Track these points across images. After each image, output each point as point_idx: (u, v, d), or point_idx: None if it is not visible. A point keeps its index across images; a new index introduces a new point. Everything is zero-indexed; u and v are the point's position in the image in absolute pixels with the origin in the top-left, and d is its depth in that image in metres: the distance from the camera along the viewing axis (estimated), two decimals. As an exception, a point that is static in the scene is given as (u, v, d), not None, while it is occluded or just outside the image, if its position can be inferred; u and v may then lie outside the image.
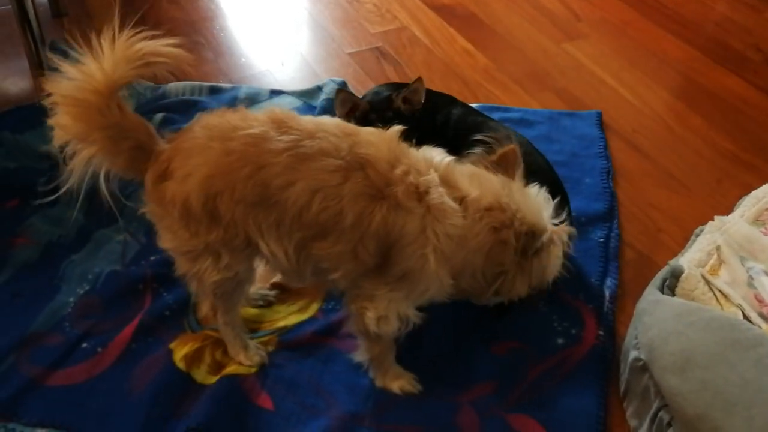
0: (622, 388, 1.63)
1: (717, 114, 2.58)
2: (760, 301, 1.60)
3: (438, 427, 1.57)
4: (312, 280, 1.52)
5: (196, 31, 2.99)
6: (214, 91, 2.58)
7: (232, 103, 2.50)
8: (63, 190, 1.43)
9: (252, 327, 1.78)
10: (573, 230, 1.52)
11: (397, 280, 1.42)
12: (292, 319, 1.80)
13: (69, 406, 1.60)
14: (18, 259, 1.92)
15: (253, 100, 2.54)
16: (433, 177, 1.38)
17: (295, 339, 1.75)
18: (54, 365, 1.68)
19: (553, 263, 1.52)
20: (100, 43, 1.33)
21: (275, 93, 2.57)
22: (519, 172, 1.50)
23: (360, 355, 1.63)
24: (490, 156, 1.52)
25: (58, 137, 1.39)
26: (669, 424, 1.43)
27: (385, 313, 1.45)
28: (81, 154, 1.40)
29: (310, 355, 1.71)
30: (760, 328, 1.52)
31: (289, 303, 1.84)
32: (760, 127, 2.53)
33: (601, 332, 1.75)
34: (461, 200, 1.40)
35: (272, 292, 1.85)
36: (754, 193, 1.89)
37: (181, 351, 1.71)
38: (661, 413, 1.45)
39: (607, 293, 1.86)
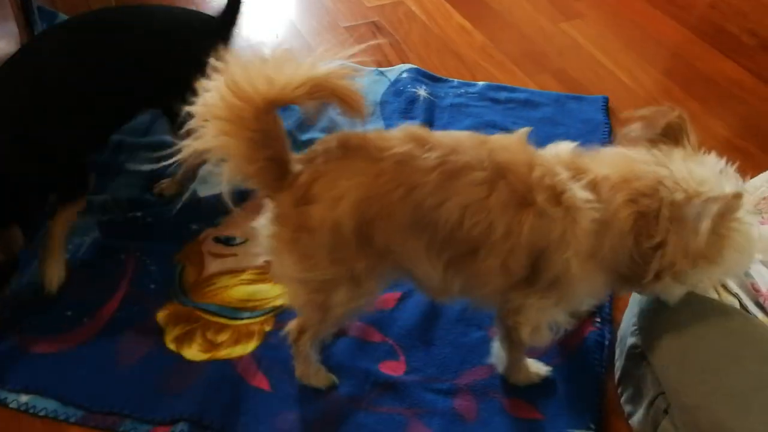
0: (618, 374, 1.63)
1: (712, 99, 2.58)
2: (757, 290, 1.61)
3: (435, 411, 1.57)
4: (459, 297, 1.48)
5: (187, 2, 2.91)
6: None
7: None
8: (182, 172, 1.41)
9: (247, 306, 1.77)
10: (735, 194, 1.26)
11: (546, 288, 1.37)
12: (288, 299, 1.79)
13: (55, 374, 1.61)
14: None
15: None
16: (565, 175, 1.32)
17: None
18: (39, 333, 1.68)
19: (733, 241, 1.31)
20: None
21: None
22: (692, 140, 1.38)
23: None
24: (654, 130, 1.40)
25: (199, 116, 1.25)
26: (665, 411, 1.44)
27: (537, 323, 1.42)
28: (212, 135, 1.24)
29: (307, 335, 1.70)
30: (757, 317, 1.53)
31: (285, 282, 1.83)
32: (755, 114, 2.52)
33: (598, 318, 1.75)
34: (594, 185, 1.31)
35: None
36: (752, 181, 1.88)
37: (171, 333, 1.70)
38: (657, 400, 1.46)
39: (604, 279, 1.86)
